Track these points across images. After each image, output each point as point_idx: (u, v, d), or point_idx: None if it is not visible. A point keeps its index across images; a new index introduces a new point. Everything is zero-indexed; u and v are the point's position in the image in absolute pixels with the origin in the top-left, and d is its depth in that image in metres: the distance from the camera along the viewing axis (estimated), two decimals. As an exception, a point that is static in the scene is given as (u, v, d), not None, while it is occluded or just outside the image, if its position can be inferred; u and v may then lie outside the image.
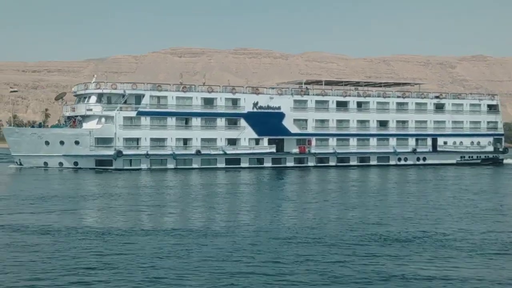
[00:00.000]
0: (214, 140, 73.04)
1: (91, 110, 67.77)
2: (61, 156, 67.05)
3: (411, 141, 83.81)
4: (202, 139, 72.29)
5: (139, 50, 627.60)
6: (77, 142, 66.56)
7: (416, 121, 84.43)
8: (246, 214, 32.31)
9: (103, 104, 68.23)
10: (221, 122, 73.51)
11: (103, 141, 67.40)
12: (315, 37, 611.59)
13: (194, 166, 71.34)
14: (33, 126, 74.27)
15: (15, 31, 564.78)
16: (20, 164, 68.37)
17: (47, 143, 66.86)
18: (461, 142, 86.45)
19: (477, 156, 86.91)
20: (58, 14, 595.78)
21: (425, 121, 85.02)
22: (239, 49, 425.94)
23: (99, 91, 68.38)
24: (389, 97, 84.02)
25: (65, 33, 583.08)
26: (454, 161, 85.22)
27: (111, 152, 67.21)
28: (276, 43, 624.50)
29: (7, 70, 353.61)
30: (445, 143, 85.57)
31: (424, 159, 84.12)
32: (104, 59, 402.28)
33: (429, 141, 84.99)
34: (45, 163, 67.44)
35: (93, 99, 68.49)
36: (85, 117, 68.45)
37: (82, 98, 70.28)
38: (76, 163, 67.21)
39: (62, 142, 66.67)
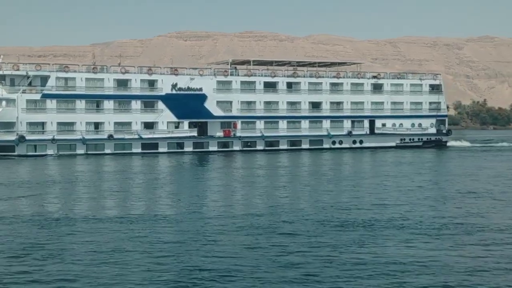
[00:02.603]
0: (129, 124, 71.98)
1: (-10, 92, 67.05)
2: None
3: (347, 124, 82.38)
4: (116, 123, 71.20)
5: (145, 34, 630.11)
6: (-26, 127, 65.95)
7: (352, 102, 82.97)
8: (162, 202, 31.06)
9: (5, 86, 67.38)
10: (136, 104, 72.44)
11: (4, 126, 66.22)
12: (321, 19, 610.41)
13: (107, 151, 70.23)
14: None
15: (20, 16, 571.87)
16: None
17: None
18: (401, 124, 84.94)
19: (419, 139, 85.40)
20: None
21: (362, 102, 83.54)
22: (245, 32, 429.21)
23: (0, 72, 67.54)
24: (322, 77, 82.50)
25: (71, 17, 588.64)
26: (393, 144, 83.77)
27: (13, 137, 66.35)
28: (282, 26, 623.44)
29: (12, 55, 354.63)
30: (383, 125, 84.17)
31: (361, 142, 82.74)
32: (109, 43, 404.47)
33: (366, 123, 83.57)
34: None
35: (-6, 81, 67.69)
36: (-16, 100, 67.72)
37: None
38: (-24, 149, 66.58)
39: (-40, 127, 66.11)
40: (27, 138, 66.74)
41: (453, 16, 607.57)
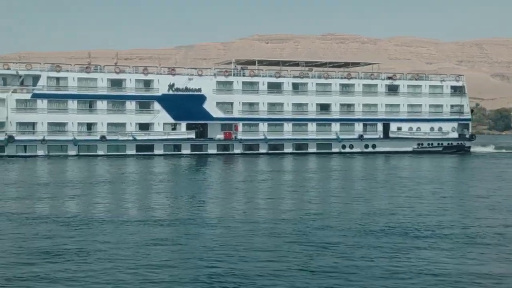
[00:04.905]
0: (123, 125, 71.10)
1: (-21, 92, 67.51)
2: None
3: (358, 127, 79.08)
4: (109, 124, 70.48)
5: (227, 37, 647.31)
6: (-35, 127, 66.33)
7: (364, 105, 79.80)
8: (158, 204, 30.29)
9: None
10: (131, 105, 71.57)
11: (-6, 126, 66.79)
12: (404, 21, 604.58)
13: (100, 152, 69.47)
14: None
15: (108, 21, 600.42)
16: None
17: None
18: (418, 128, 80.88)
19: (438, 144, 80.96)
20: (149, 3, 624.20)
21: (375, 105, 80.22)
22: (327, 34, 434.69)
23: (-9, 72, 68.03)
24: (331, 78, 79.66)
25: (156, 21, 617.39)
26: (410, 149, 79.70)
27: (2, 137, 66.30)
28: (364, 28, 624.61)
29: (100, 58, 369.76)
30: (399, 128, 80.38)
31: (374, 146, 79.12)
32: (193, 46, 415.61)
33: (380, 126, 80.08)
34: None
35: (-15, 80, 68.21)
36: (-24, 100, 68.26)
37: None
38: (-35, 149, 66.82)
39: (-50, 127, 66.60)
40: (16, 138, 66.66)
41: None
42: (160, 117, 72.29)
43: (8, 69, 68.11)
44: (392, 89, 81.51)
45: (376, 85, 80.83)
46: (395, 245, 20.05)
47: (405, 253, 18.94)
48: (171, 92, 72.82)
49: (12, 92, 67.41)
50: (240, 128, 75.11)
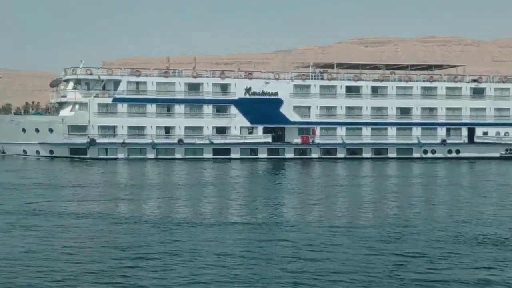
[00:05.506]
0: (200, 128, 71.68)
1: (65, 96, 69.79)
2: (37, 144, 69.45)
3: (441, 131, 76.26)
4: (186, 128, 71.25)
5: (326, 40, 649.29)
6: (51, 130, 68.61)
7: (447, 108, 76.92)
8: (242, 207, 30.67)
9: (81, 90, 69.94)
10: (208, 109, 72.05)
11: (77, 129, 68.73)
12: (510, 21, 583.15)
13: (177, 156, 70.37)
14: (16, 113, 77.82)
15: (210, 27, 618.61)
16: (3, 152, 71.92)
17: (24, 130, 69.65)
18: (506, 133, 77.14)
19: (528, 149, 76.64)
20: (248, 9, 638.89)
21: (459, 109, 77.14)
22: (428, 37, 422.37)
23: (75, 76, 70.16)
24: (412, 81, 77.20)
25: (256, 27, 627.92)
26: (497, 155, 76.02)
27: (84, 140, 68.38)
28: (467, 29, 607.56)
29: (201, 63, 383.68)
30: (485, 133, 76.87)
31: (458, 151, 76.11)
32: (291, 50, 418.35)
33: (464, 131, 76.95)
34: (24, 151, 70.08)
35: (71, 85, 70.43)
36: (62, 104, 70.68)
37: (65, 84, 72.75)
38: (51, 152, 69.15)
39: (37, 130, 69.13)
40: (98, 141, 68.47)
41: None
42: (236, 121, 72.41)
43: (91, 74, 70.15)
44: (478, 92, 78.12)
45: (460, 88, 77.77)
46: (489, 256, 18.64)
47: (502, 265, 17.52)
48: (247, 96, 72.78)
49: (94, 96, 69.41)
50: (317, 132, 74.12)
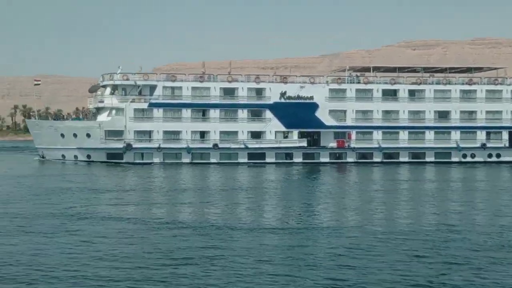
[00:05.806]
0: (235, 133, 71.76)
1: (102, 102, 70.69)
2: (75, 149, 70.50)
3: (480, 135, 74.83)
4: (221, 132, 71.42)
5: (373, 44, 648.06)
6: (88, 135, 69.59)
7: (488, 112, 75.43)
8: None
9: (118, 95, 70.77)
10: (243, 114, 72.07)
11: (114, 134, 69.59)
12: None
13: (212, 160, 70.60)
14: (54, 119, 78.93)
15: (256, 32, 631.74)
16: (43, 156, 73.23)
17: (62, 135, 70.81)
18: (548, 136, 74.95)
19: None
20: (293, 15, 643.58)
21: (500, 112, 75.55)
22: (477, 39, 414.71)
23: (112, 82, 71.02)
24: (451, 84, 75.92)
25: (302, 32, 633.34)
26: (541, 159, 74.06)
27: (121, 145, 69.14)
28: None
29: (247, 68, 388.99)
30: (526, 137, 74.93)
31: (498, 155, 74.61)
32: (338, 54, 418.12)
33: (505, 134, 75.42)
34: (63, 156, 71.28)
35: (108, 90, 71.36)
36: (99, 109, 71.62)
37: (103, 90, 73.72)
38: (89, 156, 70.15)
39: (75, 135, 70.19)
40: (134, 146, 69.14)
41: None
42: (272, 125, 72.26)
43: (127, 79, 70.91)
44: (519, 95, 76.40)
45: (501, 91, 76.21)
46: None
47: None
48: (282, 100, 72.57)
49: (131, 101, 70.13)
50: (353, 136, 73.48)
